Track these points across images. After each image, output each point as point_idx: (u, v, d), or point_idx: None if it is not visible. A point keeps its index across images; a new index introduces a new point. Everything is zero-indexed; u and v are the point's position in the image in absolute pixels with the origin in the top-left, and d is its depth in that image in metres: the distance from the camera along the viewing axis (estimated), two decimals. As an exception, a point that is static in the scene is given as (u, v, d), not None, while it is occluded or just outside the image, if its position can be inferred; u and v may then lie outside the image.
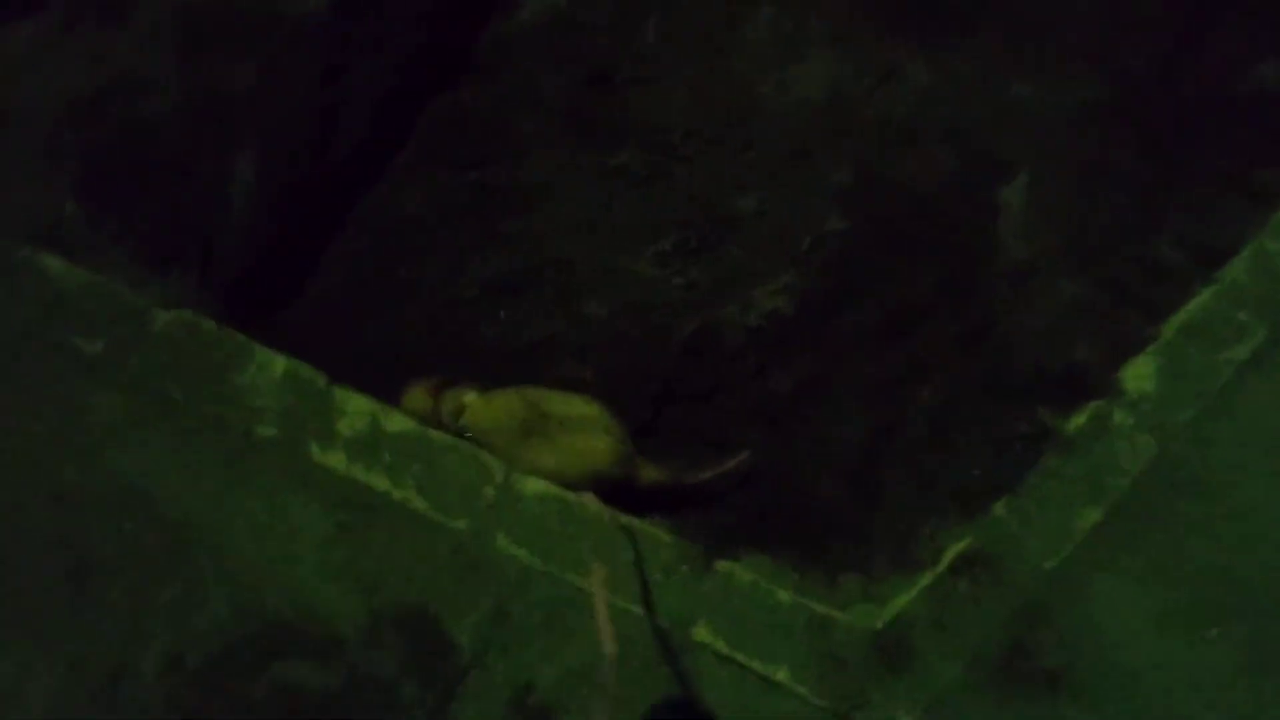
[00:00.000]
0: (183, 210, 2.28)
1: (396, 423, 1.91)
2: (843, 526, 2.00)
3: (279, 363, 1.96)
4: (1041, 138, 2.43)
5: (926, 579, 1.81)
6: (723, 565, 1.82)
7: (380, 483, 1.86)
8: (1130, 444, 1.94)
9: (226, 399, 1.93)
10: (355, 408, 1.92)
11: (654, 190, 2.29)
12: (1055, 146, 2.42)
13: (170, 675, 1.74)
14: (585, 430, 1.84)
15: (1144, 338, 2.08)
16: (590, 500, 1.81)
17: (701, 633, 1.76)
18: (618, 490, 1.88)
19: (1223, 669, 1.78)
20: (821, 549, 1.98)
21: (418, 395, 1.97)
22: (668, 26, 2.52)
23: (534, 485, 1.85)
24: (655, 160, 2.31)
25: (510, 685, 1.75)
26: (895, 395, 2.07)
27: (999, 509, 1.88)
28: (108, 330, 1.99)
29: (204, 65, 2.47)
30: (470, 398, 1.93)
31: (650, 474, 1.90)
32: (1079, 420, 1.97)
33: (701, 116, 2.39)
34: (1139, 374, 2.01)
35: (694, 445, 2.07)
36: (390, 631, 1.78)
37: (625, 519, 1.80)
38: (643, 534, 1.81)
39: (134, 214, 2.23)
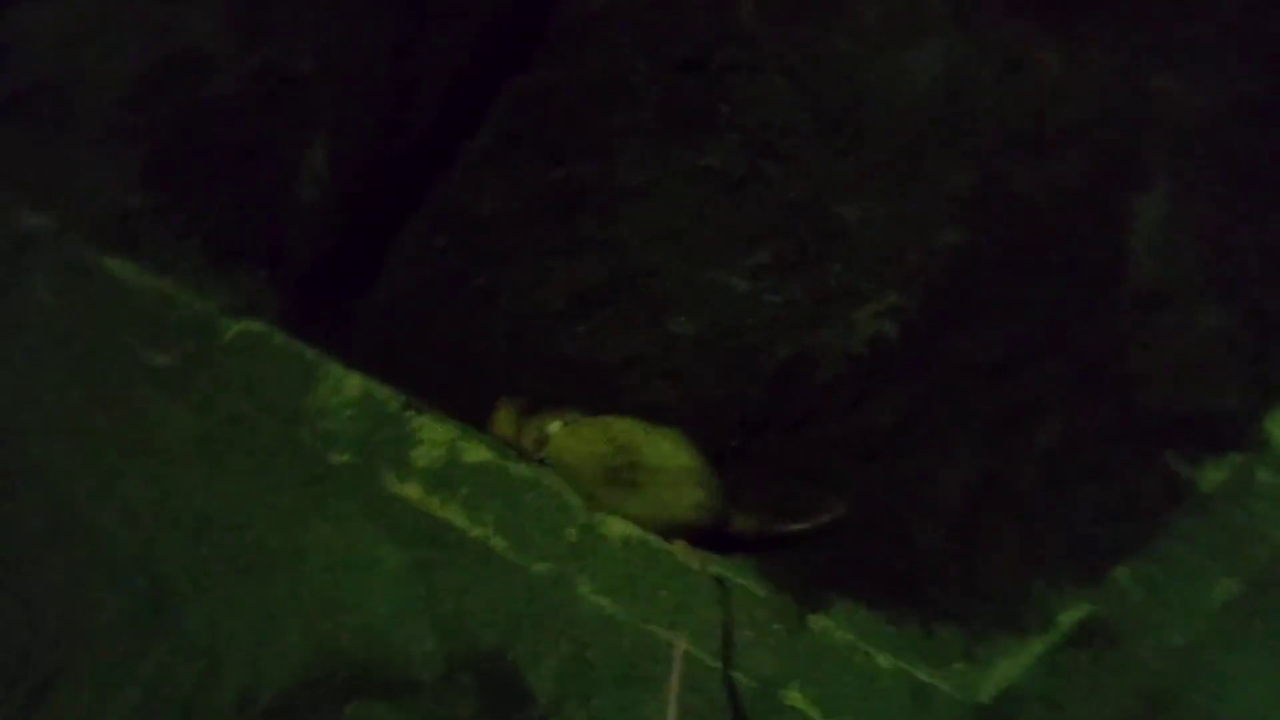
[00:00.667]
0: (252, 201, 2.17)
1: (475, 453, 1.81)
2: (942, 578, 1.86)
3: (353, 382, 1.87)
4: (1186, 139, 2.16)
5: (1039, 647, 1.68)
6: (817, 623, 1.70)
7: (458, 518, 1.77)
8: (1276, 507, 1.75)
9: (300, 420, 1.84)
10: (432, 436, 1.82)
11: (749, 194, 2.10)
12: (1202, 150, 2.15)
13: (245, 710, 1.71)
14: (676, 484, 1.71)
15: (1296, 383, 1.86)
16: (680, 549, 1.70)
17: (794, 697, 1.66)
18: (705, 536, 1.77)
19: (1364, 763, 1.63)
20: (918, 600, 1.85)
21: (503, 418, 1.87)
22: (767, 4, 2.28)
23: (619, 528, 1.75)
24: (751, 160, 2.12)
25: (587, 739, 1.68)
26: (1007, 436, 1.90)
27: (1122, 574, 1.72)
28: (177, 342, 1.91)
29: (270, 39, 2.33)
30: (555, 428, 1.82)
31: (741, 524, 1.78)
32: (1217, 475, 1.79)
33: (802, 109, 2.18)
34: (1290, 424, 1.81)
35: (784, 479, 1.94)
36: (467, 675, 1.71)
37: (715, 568, 1.69)
38: (733, 585, 1.70)
39: (202, 205, 2.13)
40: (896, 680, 1.67)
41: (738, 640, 1.68)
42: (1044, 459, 1.88)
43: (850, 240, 2.06)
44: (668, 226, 2.08)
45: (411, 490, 1.79)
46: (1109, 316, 2.01)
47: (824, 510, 1.81)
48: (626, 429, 1.78)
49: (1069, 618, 1.70)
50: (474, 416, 1.92)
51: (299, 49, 2.19)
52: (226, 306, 1.98)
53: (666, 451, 1.74)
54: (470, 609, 1.74)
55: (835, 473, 1.92)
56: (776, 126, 2.14)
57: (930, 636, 1.82)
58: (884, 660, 1.68)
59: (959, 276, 2.04)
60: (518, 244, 2.11)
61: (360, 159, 2.24)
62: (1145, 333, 1.99)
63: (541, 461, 1.84)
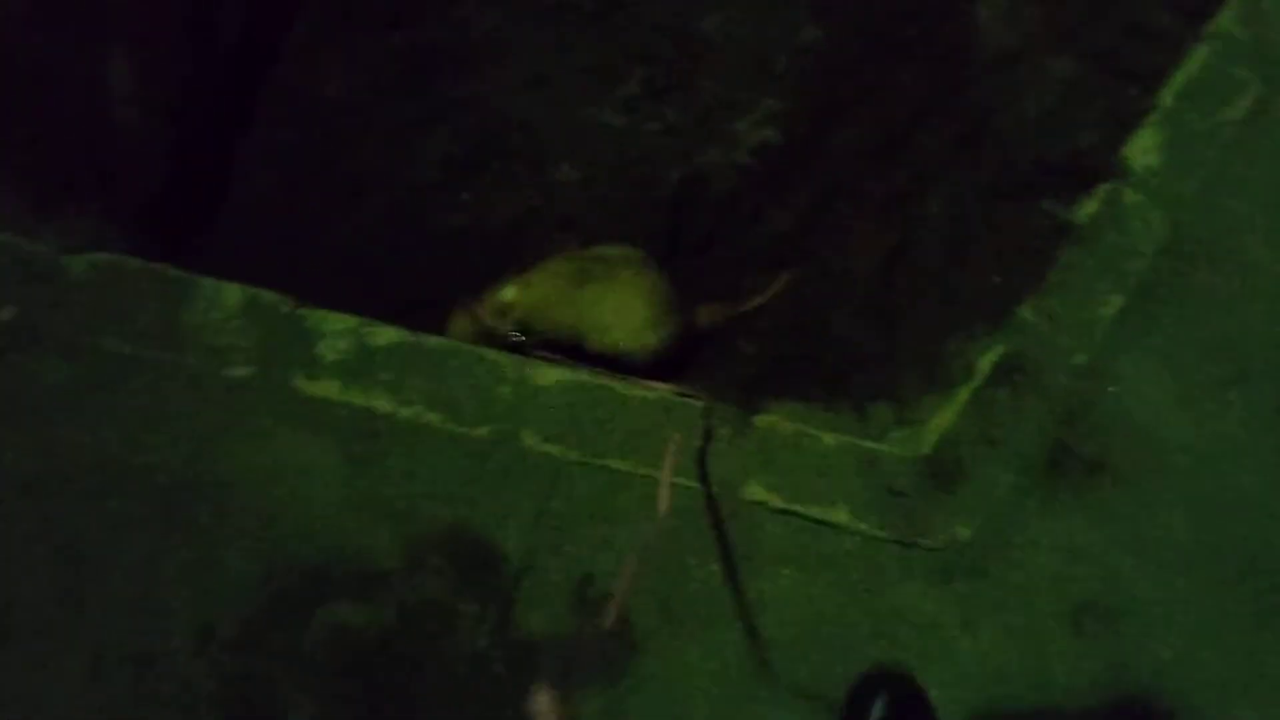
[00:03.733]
0: (58, 131, 1.92)
1: (383, 335, 1.72)
2: (865, 357, 1.93)
3: (232, 292, 1.72)
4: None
5: (965, 394, 1.78)
6: (762, 421, 1.74)
7: (383, 404, 1.69)
8: (1144, 223, 1.90)
9: (183, 343, 1.69)
10: (333, 327, 1.71)
11: (608, 25, 2.02)
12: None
13: (205, 649, 1.61)
14: (638, 266, 1.73)
15: (1142, 109, 1.99)
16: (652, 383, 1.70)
17: (754, 490, 1.70)
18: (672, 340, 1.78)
19: (1248, 428, 1.83)
20: (847, 384, 1.92)
21: (460, 322, 1.79)
22: None
23: (552, 375, 1.72)
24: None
25: (569, 581, 1.68)
26: (901, 213, 1.96)
27: (1026, 312, 1.83)
28: (17, 292, 1.70)
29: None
30: (509, 293, 1.76)
31: (705, 315, 1.81)
32: (1091, 208, 1.91)
33: (641, -72, 2.09)
34: (1143, 148, 1.94)
35: (701, 301, 1.94)
36: (432, 555, 1.67)
37: (667, 390, 1.69)
38: (677, 405, 1.71)
39: (1, 144, 1.87)
40: (844, 455, 1.74)
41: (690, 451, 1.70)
42: (938, 227, 1.95)
43: (716, 54, 2.02)
44: (529, 73, 1.99)
45: (327, 387, 1.69)
46: (970, 83, 2.08)
47: (773, 282, 1.83)
48: (572, 252, 1.77)
49: (986, 361, 1.80)
50: (375, 314, 1.81)
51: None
52: (64, 247, 1.77)
53: (614, 249, 1.76)
54: (419, 491, 1.68)
55: (750, 284, 1.93)
56: (616, -50, 2.06)
57: (865, 417, 1.90)
58: (829, 439, 1.74)
59: (827, 72, 2.05)
60: (374, 121, 1.97)
61: (171, 65, 2.01)
62: (1005, 93, 2.07)
63: (519, 338, 1.79)
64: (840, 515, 1.70)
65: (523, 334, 1.78)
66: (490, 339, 1.77)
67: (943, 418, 1.78)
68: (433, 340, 1.72)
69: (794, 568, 1.72)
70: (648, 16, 2.01)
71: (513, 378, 1.71)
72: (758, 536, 1.71)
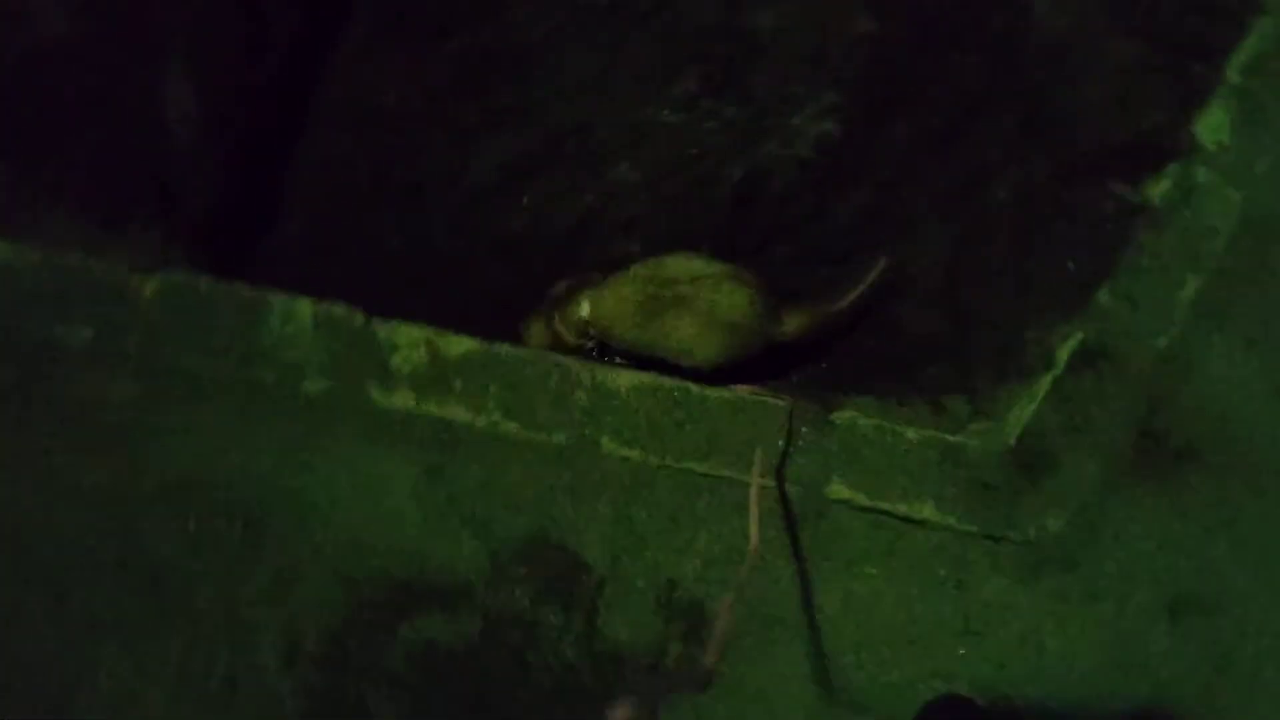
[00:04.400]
0: (119, 150, 1.92)
1: (457, 345, 1.71)
2: (938, 350, 1.90)
3: (304, 307, 1.71)
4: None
5: (1046, 383, 1.74)
6: (841, 417, 1.71)
7: (459, 413, 1.67)
8: (1219, 201, 1.85)
9: (258, 360, 1.69)
10: (406, 338, 1.70)
11: (660, 23, 2.00)
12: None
13: (292, 666, 1.60)
14: (719, 284, 1.66)
15: (1209, 86, 1.95)
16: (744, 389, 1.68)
17: (838, 489, 1.67)
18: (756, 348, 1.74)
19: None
20: (920, 378, 1.89)
21: (536, 331, 1.79)
22: None
23: (627, 378, 1.69)
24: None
25: (652, 587, 1.66)
26: (968, 202, 1.93)
27: (1102, 298, 1.79)
28: (91, 312, 1.70)
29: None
30: (583, 304, 1.73)
31: (794, 321, 1.74)
32: (1162, 188, 1.87)
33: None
34: (1212, 125, 1.90)
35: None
36: (515, 565, 1.65)
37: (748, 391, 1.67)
38: (756, 405, 1.69)
39: (65, 166, 1.88)
40: (926, 449, 1.70)
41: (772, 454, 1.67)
42: (1005, 214, 1.92)
43: (771, 49, 2.00)
44: (584, 75, 1.97)
45: (402, 399, 1.68)
46: (1028, 69, 2.04)
47: (866, 272, 1.79)
48: (649, 264, 1.71)
49: (1066, 349, 1.76)
50: (440, 322, 1.79)
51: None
52: (133, 267, 1.77)
53: (698, 265, 1.68)
54: (498, 500, 1.67)
55: (817, 279, 1.90)
56: (665, -52, 2.04)
57: (940, 410, 1.87)
58: (911, 433, 1.71)
59: (882, 63, 2.02)
60: (432, 129, 1.96)
61: (226, 81, 2.02)
62: (1064, 77, 2.03)
63: (594, 348, 1.77)
64: (926, 510, 1.67)
65: (598, 346, 1.76)
66: (566, 349, 1.75)
67: (1024, 408, 1.74)
68: (506, 348, 1.71)
69: (879, 566, 1.69)
70: (700, 15, 1.99)
71: (588, 383, 1.69)
72: (843, 535, 1.68)
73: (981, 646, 1.67)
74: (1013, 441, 1.71)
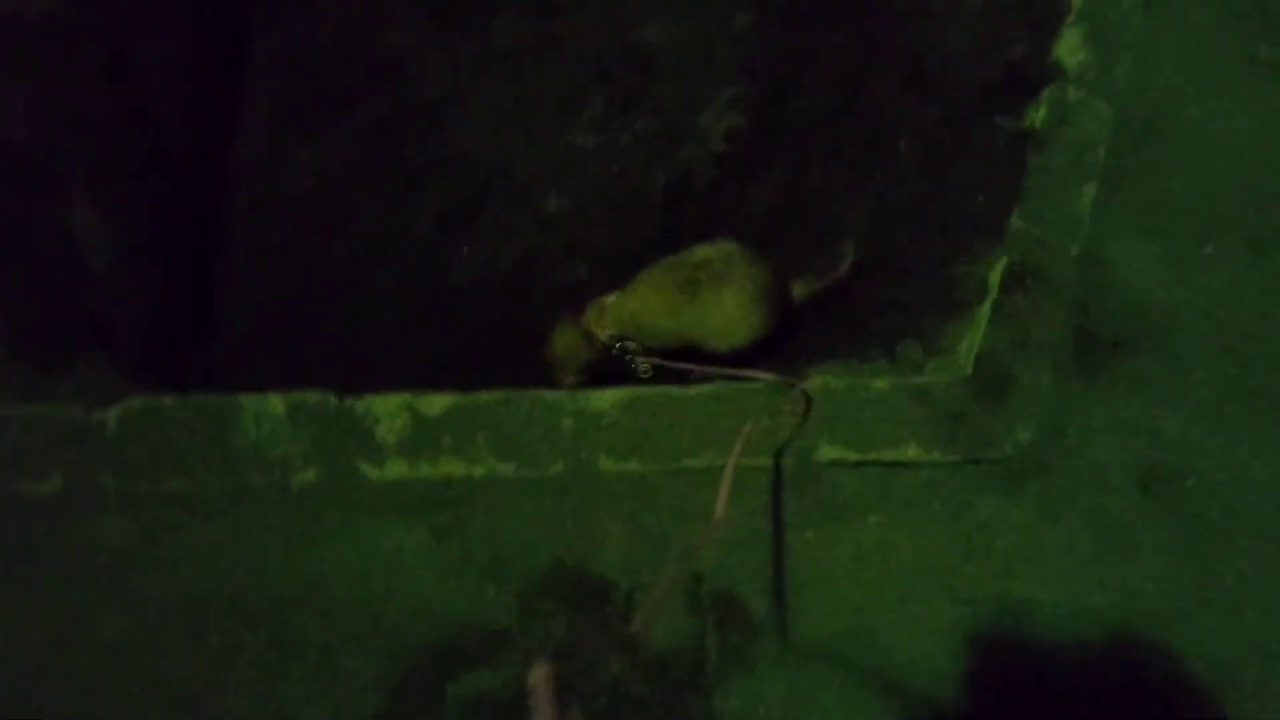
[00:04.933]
0: (42, 290, 1.87)
1: (436, 403, 1.73)
2: (880, 304, 2.02)
3: (275, 402, 1.70)
4: None
5: (987, 310, 1.88)
6: (813, 385, 1.81)
7: (454, 469, 1.69)
8: (1091, 115, 2.03)
9: (241, 466, 1.67)
10: (385, 409, 1.71)
11: (555, 55, 2.07)
12: None
13: (347, 753, 1.59)
14: (750, 261, 1.78)
15: (1057, 14, 2.12)
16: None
17: (827, 451, 1.76)
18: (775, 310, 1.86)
19: (1230, 274, 1.96)
20: (871, 333, 2.00)
21: (565, 335, 1.84)
22: None
23: (608, 397, 1.75)
24: (538, 22, 2.08)
25: (679, 589, 1.71)
26: (875, 161, 2.05)
27: (1015, 222, 1.94)
28: (55, 458, 1.65)
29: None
30: (610, 301, 1.82)
31: (800, 289, 1.90)
32: (1041, 113, 2.03)
33: (557, -42, 2.15)
34: (1070, 47, 2.07)
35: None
36: (542, 600, 1.68)
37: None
38: (733, 393, 1.77)
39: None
40: (897, 395, 1.81)
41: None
42: (911, 163, 2.05)
43: (664, 59, 2.09)
44: (495, 118, 2.02)
45: (395, 468, 1.69)
46: (898, 29, 2.19)
47: (841, 256, 1.94)
48: (671, 260, 1.80)
49: (995, 275, 1.90)
50: (412, 384, 1.81)
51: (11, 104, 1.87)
52: (88, 403, 1.73)
53: (726, 247, 1.79)
54: (511, 542, 1.69)
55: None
56: (542, -17, 2.11)
57: (896, 359, 1.98)
58: (881, 383, 1.81)
59: (768, 51, 2.14)
60: (358, 200, 1.98)
61: (132, 199, 1.98)
62: (931, 30, 2.18)
63: (623, 347, 1.83)
64: (911, 451, 1.77)
65: (628, 343, 1.82)
66: (597, 349, 1.79)
67: (971, 337, 1.87)
68: (484, 395, 1.74)
69: (880, 514, 1.78)
70: (591, 39, 2.07)
71: (571, 409, 1.73)
72: (840, 493, 1.77)
73: (988, 561, 1.78)
74: (970, 370, 1.83)
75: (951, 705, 1.70)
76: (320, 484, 1.67)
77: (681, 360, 1.81)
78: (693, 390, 1.76)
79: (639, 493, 1.73)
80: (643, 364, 1.81)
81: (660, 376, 1.84)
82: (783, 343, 1.86)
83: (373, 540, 1.66)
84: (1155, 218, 2.01)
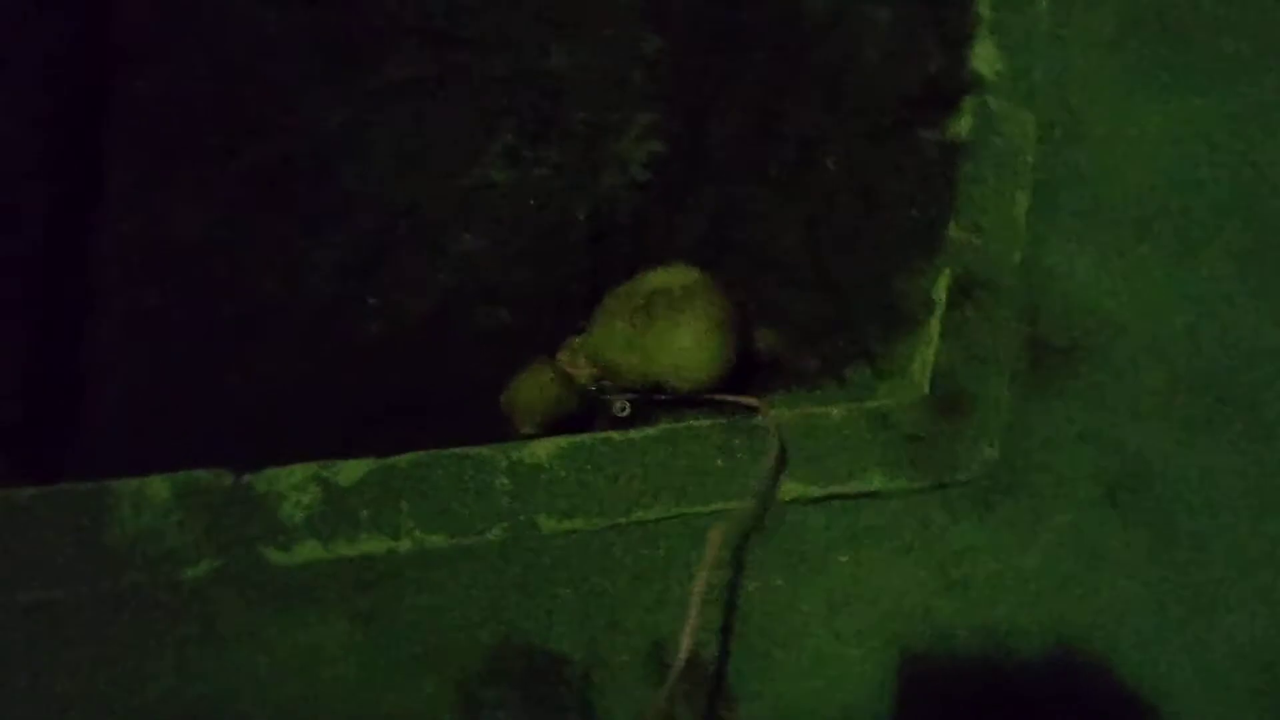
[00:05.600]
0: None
1: (349, 471, 1.52)
2: (825, 327, 1.91)
3: (156, 486, 1.47)
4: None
5: (936, 325, 1.80)
6: (767, 419, 1.68)
7: (377, 545, 1.48)
8: (1014, 122, 2.00)
9: (119, 564, 1.42)
10: (290, 482, 1.50)
11: (457, 87, 1.93)
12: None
13: None
14: (708, 289, 1.64)
15: (966, 25, 2.11)
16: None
17: (791, 488, 1.63)
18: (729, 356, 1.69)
19: (1165, 269, 1.95)
20: (818, 358, 1.90)
21: (536, 376, 1.64)
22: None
23: (545, 447, 1.58)
24: (436, 53, 1.94)
25: (641, 656, 1.54)
26: (803, 181, 1.97)
27: (953, 233, 1.88)
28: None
29: None
30: (574, 340, 1.67)
31: (765, 339, 1.79)
32: (965, 123, 1.99)
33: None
34: (985, 58, 2.05)
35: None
36: (487, 687, 1.48)
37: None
38: (685, 431, 1.62)
39: None
40: (854, 422, 1.70)
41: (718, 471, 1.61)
42: (839, 183, 1.98)
43: (574, 86, 1.97)
44: (395, 157, 1.85)
45: (306, 550, 1.47)
46: (812, 48, 2.14)
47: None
48: (633, 281, 1.66)
49: (940, 288, 1.83)
50: (320, 453, 1.60)
51: None
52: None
53: (681, 272, 1.65)
54: (448, 623, 1.49)
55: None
56: (441, 13, 1.97)
57: (846, 383, 1.88)
58: (835, 412, 1.70)
59: (681, 75, 2.05)
60: (246, 252, 1.77)
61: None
62: (845, 51, 2.14)
63: (602, 387, 1.69)
64: (875, 480, 1.66)
65: (604, 383, 1.66)
66: (574, 392, 1.65)
67: (924, 354, 1.78)
68: (404, 459, 1.54)
69: (850, 551, 1.65)
70: (495, 69, 1.94)
71: (505, 466, 1.55)
72: (806, 533, 1.64)
73: (967, 593, 1.66)
74: (926, 389, 1.74)
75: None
76: (217, 577, 1.43)
77: (654, 399, 1.66)
78: (636, 435, 1.60)
79: (587, 553, 1.55)
80: (618, 402, 1.65)
81: (636, 418, 1.68)
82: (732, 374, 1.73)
83: (285, 638, 1.43)
84: (1087, 223, 1.99)
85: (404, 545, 1.48)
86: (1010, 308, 1.82)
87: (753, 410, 1.65)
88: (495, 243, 1.83)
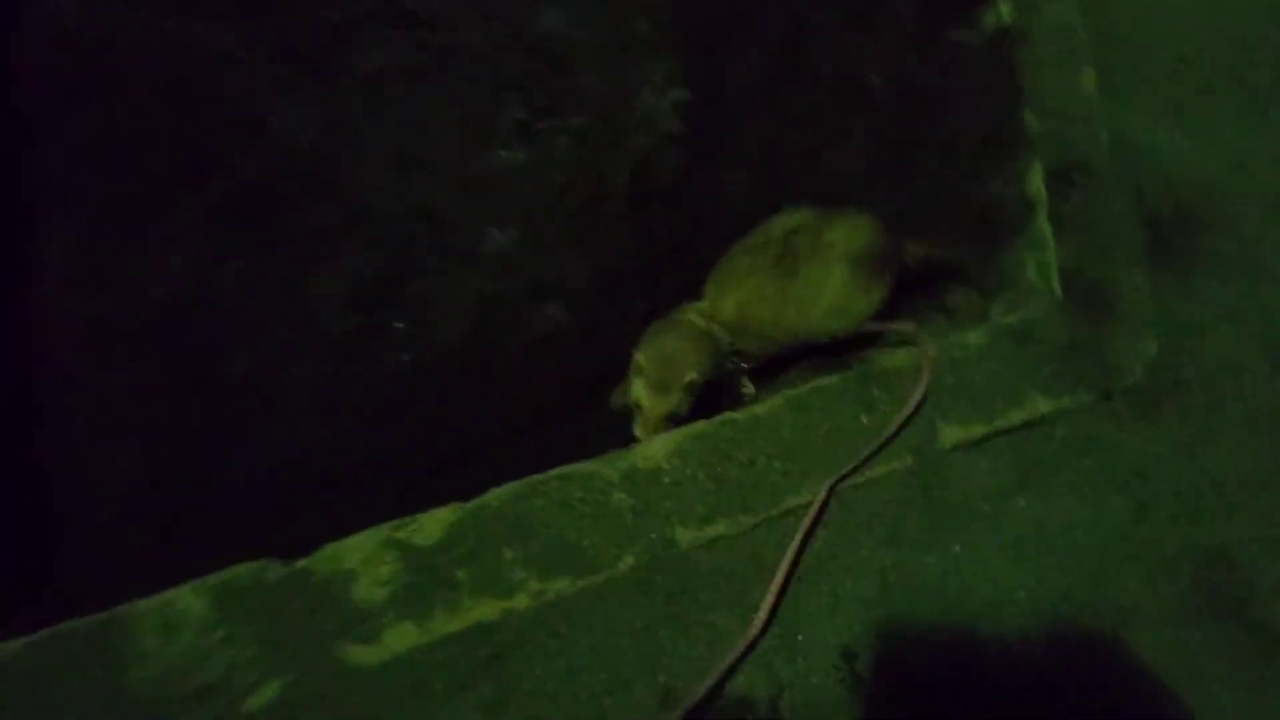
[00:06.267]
0: None
1: (431, 525, 1.20)
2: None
3: (186, 598, 1.12)
4: None
5: (1044, 219, 1.57)
6: (898, 358, 1.41)
7: (485, 609, 1.16)
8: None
9: (152, 709, 1.07)
10: (360, 555, 1.17)
11: (443, 68, 1.65)
12: None
13: None
14: (845, 218, 1.43)
15: None
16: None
17: (949, 434, 1.36)
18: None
19: (1245, 134, 1.77)
20: (919, 293, 1.65)
21: (681, 326, 1.39)
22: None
23: (657, 448, 1.28)
24: (409, 36, 1.66)
25: (834, 671, 1.24)
26: (847, 102, 1.74)
27: (1030, 121, 1.66)
28: None
29: None
30: (694, 309, 1.41)
31: (916, 249, 1.59)
32: (1005, 9, 1.79)
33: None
34: None
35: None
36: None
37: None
38: (813, 394, 1.34)
39: None
40: (998, 345, 1.45)
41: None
42: (888, 100, 1.76)
43: (576, 47, 1.72)
44: (393, 156, 1.57)
45: (398, 637, 1.13)
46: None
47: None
48: (753, 235, 1.44)
49: (1037, 180, 1.60)
50: (375, 516, 1.27)
51: None
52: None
53: (806, 213, 1.44)
54: (598, 685, 1.17)
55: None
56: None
57: (953, 310, 1.64)
58: (973, 338, 1.44)
59: (687, 15, 1.81)
60: (233, 298, 1.45)
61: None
62: None
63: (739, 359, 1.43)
64: (1039, 405, 1.40)
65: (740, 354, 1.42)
66: (714, 361, 1.36)
67: (1039, 257, 1.55)
68: (493, 497, 1.23)
69: (1026, 494, 1.39)
70: (480, 43, 1.67)
71: (617, 478, 1.25)
72: (974, 481, 1.37)
73: (1158, 511, 1.42)
74: (1059, 291, 1.50)
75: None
76: (289, 697, 1.09)
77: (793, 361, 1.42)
78: (760, 409, 1.32)
79: (742, 561, 1.25)
80: (747, 386, 1.38)
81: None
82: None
83: (396, 752, 1.09)
84: (1154, 91, 1.80)
85: (520, 602, 1.16)
86: (1117, 188, 1.60)
87: (900, 339, 1.40)
88: (528, 233, 1.55)
